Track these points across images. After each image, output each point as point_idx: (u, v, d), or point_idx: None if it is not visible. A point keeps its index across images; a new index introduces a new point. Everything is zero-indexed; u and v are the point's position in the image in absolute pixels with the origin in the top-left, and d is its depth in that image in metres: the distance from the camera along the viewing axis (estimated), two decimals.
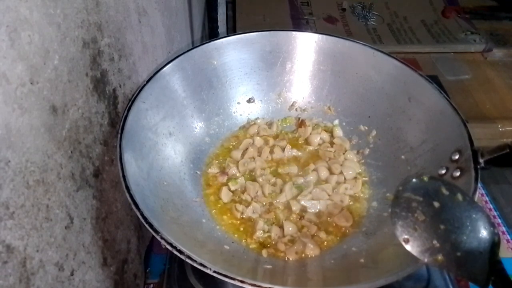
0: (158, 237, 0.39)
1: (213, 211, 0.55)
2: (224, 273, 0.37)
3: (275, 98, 0.68)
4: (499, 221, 0.69)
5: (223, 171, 0.60)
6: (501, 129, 0.85)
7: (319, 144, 0.64)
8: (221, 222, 0.54)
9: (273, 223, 0.54)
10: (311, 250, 0.50)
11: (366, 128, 0.63)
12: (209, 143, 0.63)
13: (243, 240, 0.52)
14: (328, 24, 1.13)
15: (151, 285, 0.60)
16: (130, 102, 0.51)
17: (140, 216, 0.41)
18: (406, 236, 0.37)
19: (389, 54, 0.60)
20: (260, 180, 0.59)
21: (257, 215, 0.54)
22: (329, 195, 0.57)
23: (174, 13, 0.71)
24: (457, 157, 0.48)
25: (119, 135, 0.47)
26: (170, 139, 0.57)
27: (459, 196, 0.39)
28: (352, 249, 0.50)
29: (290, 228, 0.52)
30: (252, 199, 0.56)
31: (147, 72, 0.58)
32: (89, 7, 0.40)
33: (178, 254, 0.38)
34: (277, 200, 0.56)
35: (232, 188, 0.58)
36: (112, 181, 0.48)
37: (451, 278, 0.52)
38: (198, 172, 0.60)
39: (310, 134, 0.65)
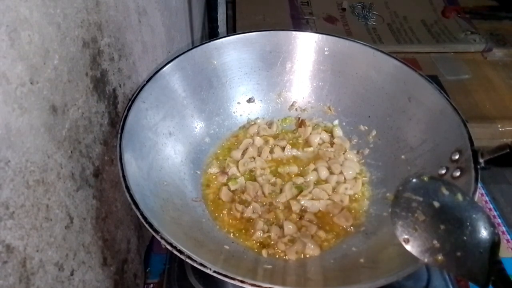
0: (158, 237, 0.39)
1: (213, 211, 0.55)
2: (224, 273, 0.37)
3: (275, 98, 0.68)
4: (499, 221, 0.69)
5: (223, 171, 0.60)
6: (501, 129, 0.85)
7: (319, 144, 0.64)
8: (221, 222, 0.54)
9: (273, 223, 0.54)
10: (311, 250, 0.50)
11: (366, 128, 0.63)
12: (209, 143, 0.63)
13: (243, 240, 0.52)
14: (328, 24, 1.14)
15: (151, 285, 0.60)
16: (130, 102, 0.51)
17: (140, 216, 0.41)
18: (406, 236, 0.37)
19: (389, 54, 0.60)
20: (260, 180, 0.59)
21: (257, 215, 0.54)
22: (329, 195, 0.57)
23: (174, 13, 0.71)
24: (457, 157, 0.48)
25: (119, 135, 0.47)
26: (170, 139, 0.57)
27: (459, 196, 0.39)
28: (352, 249, 0.50)
29: (290, 228, 0.52)
30: (252, 199, 0.56)
31: (147, 72, 0.58)
32: (89, 7, 0.40)
33: (178, 254, 0.38)
34: (277, 200, 0.56)
35: (232, 188, 0.58)
36: (112, 181, 0.48)
37: (451, 278, 0.52)
38: (198, 172, 0.60)
39: (310, 134, 0.65)
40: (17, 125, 0.29)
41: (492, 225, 0.36)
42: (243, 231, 0.53)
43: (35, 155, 0.32)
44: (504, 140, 0.85)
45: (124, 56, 0.49)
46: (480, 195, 0.73)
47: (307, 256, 0.50)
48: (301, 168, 0.61)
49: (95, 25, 0.41)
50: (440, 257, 0.36)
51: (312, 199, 0.56)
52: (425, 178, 0.40)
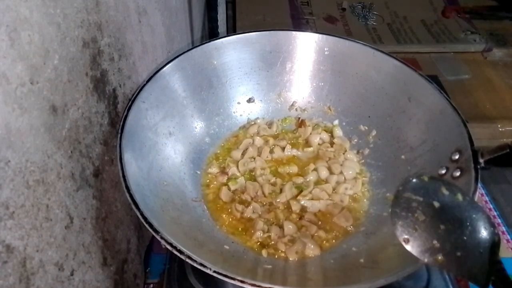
0: (158, 237, 0.39)
1: (213, 211, 0.55)
2: (224, 273, 0.37)
3: (275, 98, 0.68)
4: (499, 221, 0.69)
5: (223, 171, 0.60)
6: (501, 129, 0.85)
7: (319, 144, 0.64)
8: (221, 222, 0.54)
9: (273, 223, 0.54)
10: (311, 250, 0.50)
11: (366, 128, 0.63)
12: (209, 143, 0.63)
13: (243, 240, 0.52)
14: (328, 24, 1.13)
15: (151, 285, 0.60)
16: (130, 102, 0.51)
17: (140, 216, 0.41)
18: (406, 236, 0.37)
19: (389, 54, 0.60)
20: (260, 180, 0.59)
21: (257, 215, 0.54)
22: (329, 195, 0.57)
23: (174, 13, 0.71)
24: (457, 157, 0.48)
25: (119, 135, 0.47)
26: (170, 139, 0.57)
27: (459, 196, 0.39)
28: (352, 249, 0.50)
29: (290, 228, 0.52)
30: (252, 199, 0.56)
31: (147, 72, 0.58)
32: (89, 7, 0.40)
33: (178, 254, 0.38)
34: (277, 200, 0.56)
35: (232, 188, 0.58)
36: (112, 181, 0.48)
37: (451, 278, 0.52)
38: (198, 172, 0.60)
39: (310, 134, 0.65)
40: (17, 125, 0.29)
41: (492, 225, 0.36)
42: (243, 231, 0.53)
43: (35, 155, 0.32)
44: (504, 140, 0.85)
45: (124, 56, 0.49)
46: (480, 195, 0.73)
47: (307, 256, 0.50)
48: (301, 168, 0.61)
49: (95, 25, 0.41)
50: (440, 257, 0.36)
51: (312, 199, 0.56)
52: (425, 178, 0.40)
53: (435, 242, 0.36)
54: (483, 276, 0.33)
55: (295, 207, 0.55)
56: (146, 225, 0.40)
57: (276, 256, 0.50)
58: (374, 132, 0.62)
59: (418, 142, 0.55)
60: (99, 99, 0.44)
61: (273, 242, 0.51)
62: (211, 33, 0.91)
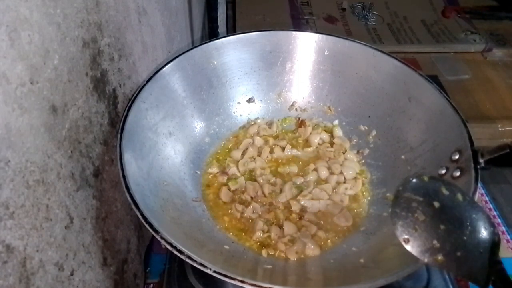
0: (158, 237, 0.39)
1: (213, 211, 0.55)
2: (224, 273, 0.37)
3: (275, 98, 0.68)
4: (499, 221, 0.69)
5: (223, 171, 0.60)
6: (501, 129, 0.85)
7: (319, 144, 0.64)
8: (221, 222, 0.54)
9: (273, 223, 0.54)
10: (311, 250, 0.50)
11: (366, 128, 0.63)
12: (209, 143, 0.63)
13: (243, 240, 0.52)
14: (328, 24, 1.13)
15: (151, 285, 0.60)
16: (130, 102, 0.51)
17: (140, 216, 0.41)
18: (406, 236, 0.37)
19: (389, 54, 0.60)
20: (260, 180, 0.59)
21: (257, 215, 0.54)
22: (329, 195, 0.57)
23: (174, 13, 0.71)
24: (457, 157, 0.48)
25: (119, 135, 0.47)
26: (170, 139, 0.57)
27: (459, 196, 0.39)
28: (352, 249, 0.50)
29: (290, 228, 0.52)
30: (252, 199, 0.56)
31: (147, 72, 0.58)
32: (89, 7, 0.40)
33: (178, 254, 0.38)
34: (277, 200, 0.56)
35: (232, 188, 0.58)
36: (112, 181, 0.48)
37: (451, 278, 0.52)
38: (198, 172, 0.60)
39: (310, 134, 0.65)
40: (17, 125, 0.29)
41: (492, 225, 0.36)
42: (243, 231, 0.53)
43: (35, 155, 0.32)
44: (504, 140, 0.85)
45: (124, 56, 0.49)
46: (480, 195, 0.73)
47: (307, 256, 0.50)
48: (301, 168, 0.61)
49: (95, 25, 0.41)
50: (440, 257, 0.36)
51: (312, 199, 0.56)
52: (425, 178, 0.40)
53: (435, 242, 0.36)
54: (483, 276, 0.33)
55: (295, 207, 0.55)
56: (146, 225, 0.40)
57: (276, 256, 0.50)
58: (374, 132, 0.62)
59: (418, 142, 0.55)
60: (99, 99, 0.44)
61: (273, 242, 0.51)
62: (211, 33, 0.90)
